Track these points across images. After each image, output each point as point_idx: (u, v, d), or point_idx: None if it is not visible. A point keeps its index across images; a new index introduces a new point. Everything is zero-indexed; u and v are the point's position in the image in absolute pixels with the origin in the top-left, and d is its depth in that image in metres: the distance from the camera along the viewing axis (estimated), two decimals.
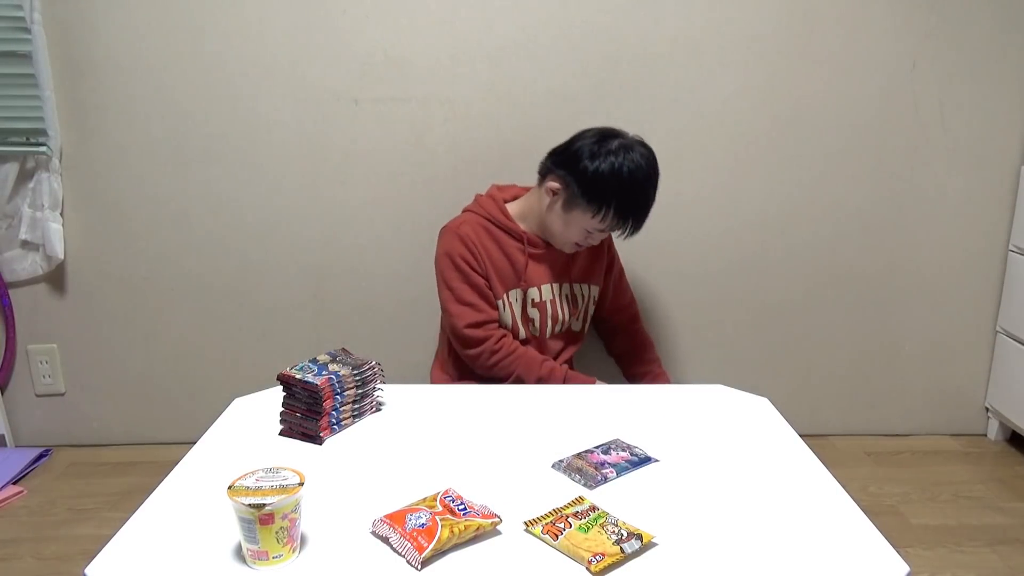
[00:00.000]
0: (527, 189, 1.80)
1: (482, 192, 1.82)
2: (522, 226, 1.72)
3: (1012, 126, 2.18)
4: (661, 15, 2.08)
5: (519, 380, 1.67)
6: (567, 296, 1.80)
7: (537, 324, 1.76)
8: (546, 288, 1.76)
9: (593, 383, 1.68)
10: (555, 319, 1.77)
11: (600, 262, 1.84)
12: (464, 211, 1.77)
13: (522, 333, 1.75)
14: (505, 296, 1.72)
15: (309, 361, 1.27)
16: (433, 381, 1.86)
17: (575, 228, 1.66)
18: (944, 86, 2.15)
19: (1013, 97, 2.16)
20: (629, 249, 1.94)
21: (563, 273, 1.78)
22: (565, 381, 1.67)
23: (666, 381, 1.93)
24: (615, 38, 2.09)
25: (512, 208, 1.75)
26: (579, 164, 1.60)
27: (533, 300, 1.74)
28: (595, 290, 1.85)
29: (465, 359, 1.72)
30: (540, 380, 1.66)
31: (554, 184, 1.65)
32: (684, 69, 2.12)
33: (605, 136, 1.63)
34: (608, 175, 1.58)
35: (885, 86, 2.14)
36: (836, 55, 2.12)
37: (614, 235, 1.72)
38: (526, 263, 1.71)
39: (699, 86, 2.13)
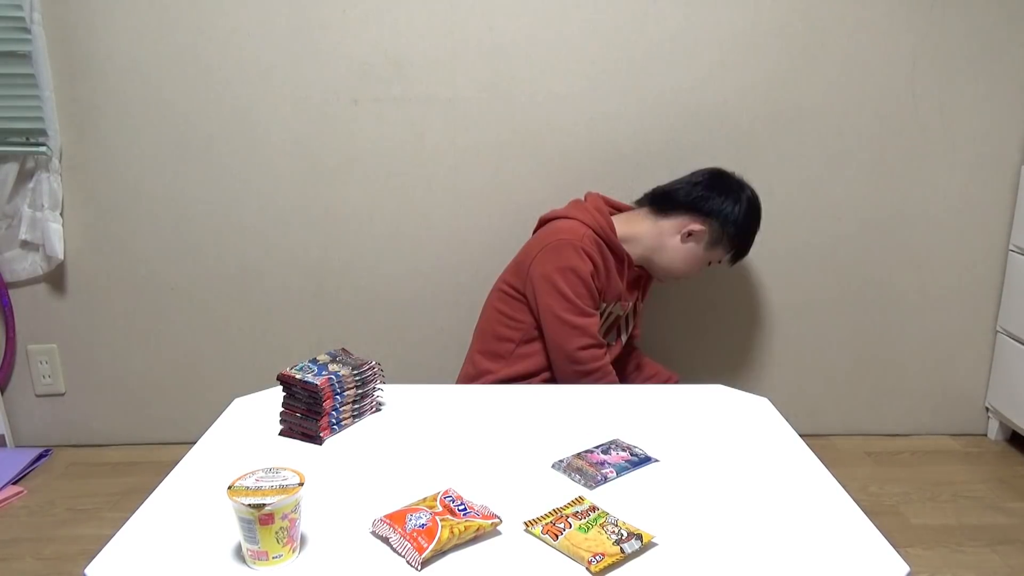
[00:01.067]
0: (621, 205, 1.87)
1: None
2: (626, 247, 1.77)
3: (1012, 126, 2.18)
4: (661, 15, 2.08)
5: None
6: (635, 306, 1.89)
7: (613, 335, 1.84)
8: (628, 303, 1.84)
9: None
10: (622, 329, 1.86)
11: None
12: (572, 219, 1.74)
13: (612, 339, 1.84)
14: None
15: (309, 361, 1.27)
16: (477, 366, 1.81)
17: (701, 263, 1.80)
18: (944, 86, 2.15)
19: (1013, 97, 2.16)
20: None
21: (637, 287, 1.87)
22: None
23: (675, 380, 1.99)
24: (615, 38, 2.09)
25: (617, 227, 1.77)
26: (728, 213, 1.76)
27: (618, 314, 1.82)
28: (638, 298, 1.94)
29: (565, 363, 1.68)
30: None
31: (697, 227, 1.74)
32: (684, 68, 2.12)
33: (722, 177, 1.81)
34: (750, 216, 1.79)
35: (885, 86, 2.14)
36: (836, 55, 2.12)
37: (726, 263, 1.90)
38: (622, 284, 1.77)
39: (699, 85, 2.13)
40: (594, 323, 1.68)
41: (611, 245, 1.73)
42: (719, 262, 1.85)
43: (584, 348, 1.66)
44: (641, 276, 1.87)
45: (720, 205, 1.75)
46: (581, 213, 1.75)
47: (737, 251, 1.84)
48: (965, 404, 2.40)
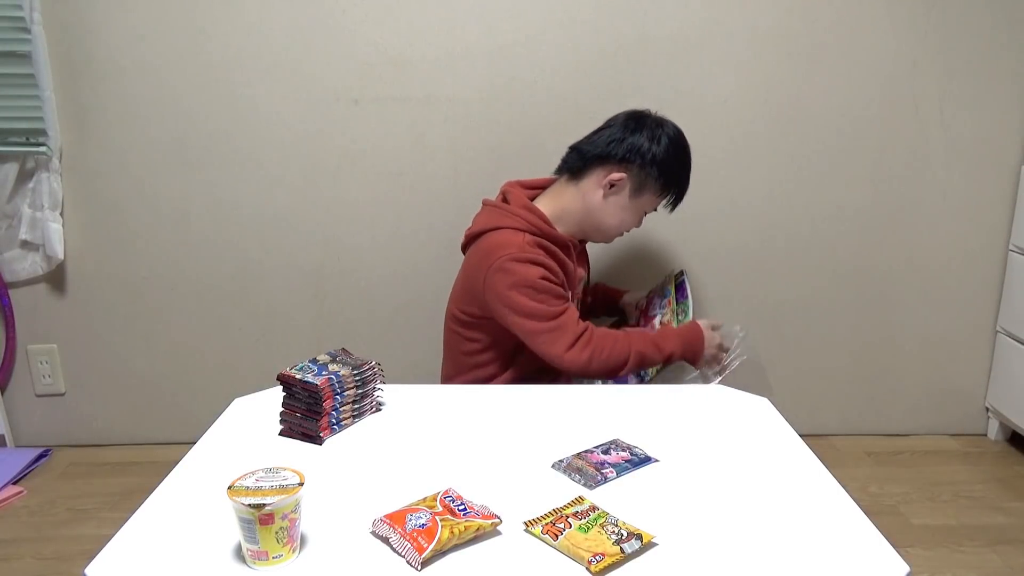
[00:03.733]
0: (541, 182, 1.76)
1: (487, 190, 1.80)
2: (560, 230, 1.66)
3: (1012, 126, 2.18)
4: (661, 14, 2.08)
5: (642, 359, 1.60)
6: (587, 284, 1.85)
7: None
8: (581, 285, 1.78)
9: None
10: (582, 307, 1.82)
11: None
12: (503, 228, 1.62)
13: None
14: None
15: (309, 361, 1.27)
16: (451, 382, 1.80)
17: (635, 214, 1.69)
18: (944, 86, 2.15)
19: (1013, 97, 2.16)
20: (629, 249, 1.94)
21: (584, 264, 1.81)
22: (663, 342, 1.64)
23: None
24: (615, 38, 2.09)
25: (546, 211, 1.67)
26: (646, 152, 1.62)
27: (579, 300, 1.77)
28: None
29: (567, 370, 1.62)
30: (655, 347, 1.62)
31: (617, 175, 1.62)
32: (684, 69, 2.12)
33: (637, 118, 1.67)
34: (672, 152, 1.64)
35: (885, 86, 2.14)
36: (836, 55, 2.12)
37: (665, 209, 1.74)
38: (575, 268, 1.69)
39: (699, 86, 2.13)
40: (568, 317, 1.58)
41: (551, 238, 1.63)
42: (655, 209, 1.72)
43: (569, 348, 1.56)
44: (581, 251, 1.80)
45: (636, 146, 1.62)
46: (510, 219, 1.62)
47: (672, 193, 1.69)
48: (965, 404, 2.40)
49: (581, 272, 1.75)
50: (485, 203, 1.74)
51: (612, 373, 1.60)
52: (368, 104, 2.12)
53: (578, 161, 1.67)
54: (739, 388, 1.42)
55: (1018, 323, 2.21)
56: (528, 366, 1.67)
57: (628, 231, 1.74)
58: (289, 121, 2.13)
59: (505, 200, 1.69)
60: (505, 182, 1.77)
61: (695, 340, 1.65)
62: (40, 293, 2.24)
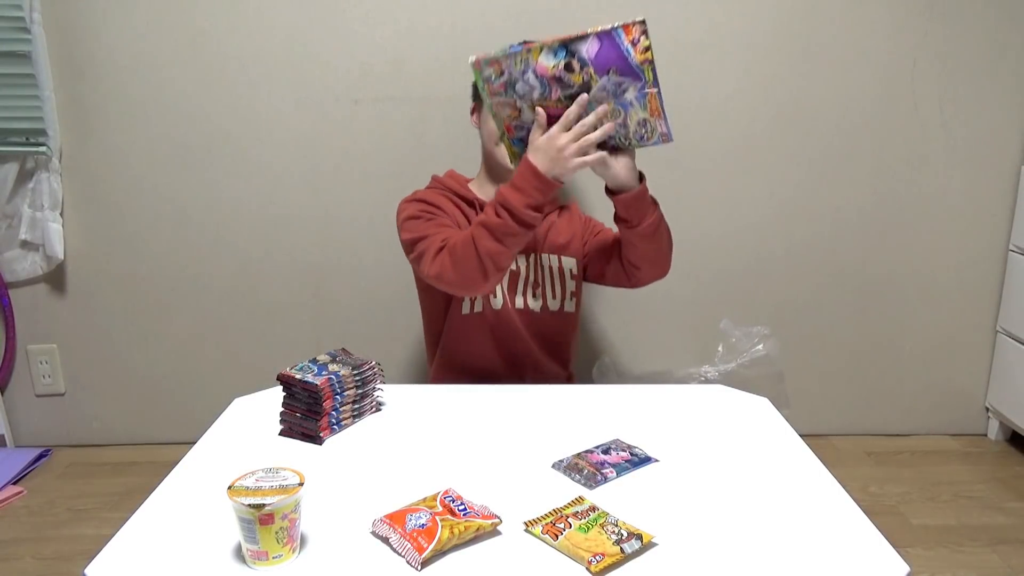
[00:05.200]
0: None
1: None
2: (481, 195, 1.68)
3: (1012, 126, 2.19)
4: (661, 15, 2.08)
5: (499, 248, 1.41)
6: (537, 265, 1.68)
7: (499, 291, 1.65)
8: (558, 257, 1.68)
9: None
10: (517, 282, 1.66)
11: (577, 236, 1.74)
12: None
13: (480, 304, 1.65)
14: None
15: (309, 361, 1.27)
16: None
17: (488, 120, 1.61)
18: (944, 86, 2.15)
19: (1013, 97, 2.16)
20: None
21: (530, 245, 1.68)
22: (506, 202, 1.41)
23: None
24: None
25: (473, 180, 1.74)
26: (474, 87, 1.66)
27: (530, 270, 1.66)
28: (571, 262, 1.71)
29: (446, 286, 1.52)
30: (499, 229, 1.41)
31: (471, 110, 1.71)
32: (684, 69, 2.12)
33: None
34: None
35: (885, 86, 2.14)
36: (836, 55, 2.12)
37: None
38: None
39: (699, 86, 2.13)
40: (436, 236, 1.51)
41: (459, 194, 1.66)
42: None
43: (432, 261, 1.46)
44: (544, 236, 1.68)
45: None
46: (431, 184, 1.73)
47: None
48: (965, 404, 2.40)
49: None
50: None
51: (483, 262, 1.42)
52: (368, 104, 2.12)
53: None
54: (755, 393, 1.42)
55: (1018, 323, 2.21)
56: (448, 347, 1.70)
57: (501, 137, 1.53)
58: (289, 121, 2.13)
59: None
60: None
61: (523, 170, 1.40)
62: (40, 293, 2.24)
